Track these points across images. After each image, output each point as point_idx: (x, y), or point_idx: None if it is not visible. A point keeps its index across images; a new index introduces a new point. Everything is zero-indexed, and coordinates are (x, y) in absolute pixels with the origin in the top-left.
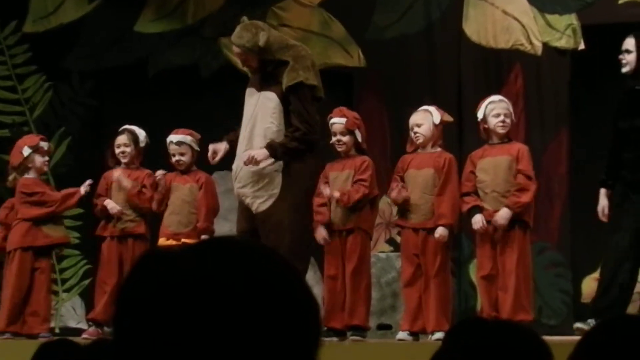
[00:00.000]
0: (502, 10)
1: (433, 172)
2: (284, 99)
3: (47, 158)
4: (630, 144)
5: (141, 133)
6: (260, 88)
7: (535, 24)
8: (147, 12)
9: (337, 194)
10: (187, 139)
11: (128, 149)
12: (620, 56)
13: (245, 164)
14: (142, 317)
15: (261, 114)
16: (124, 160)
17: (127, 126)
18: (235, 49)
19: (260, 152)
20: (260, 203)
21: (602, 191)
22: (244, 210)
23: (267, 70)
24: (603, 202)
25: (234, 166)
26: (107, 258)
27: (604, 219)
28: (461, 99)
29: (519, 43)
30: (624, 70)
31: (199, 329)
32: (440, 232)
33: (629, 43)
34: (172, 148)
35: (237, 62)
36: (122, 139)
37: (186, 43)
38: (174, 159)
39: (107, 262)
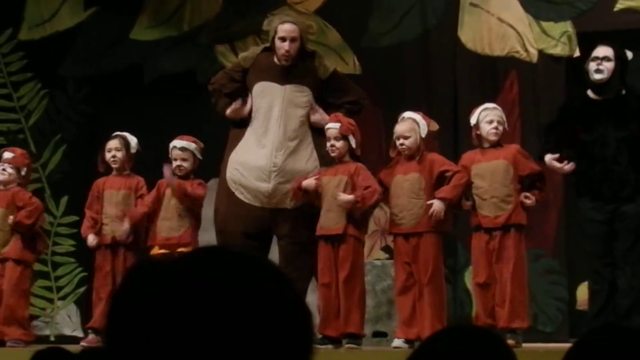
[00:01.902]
0: (498, 18)
1: (418, 175)
2: (317, 89)
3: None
4: (597, 157)
5: (133, 139)
6: (284, 81)
7: (530, 31)
8: (143, 19)
9: (349, 197)
10: (192, 145)
11: (119, 154)
12: (596, 62)
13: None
14: (134, 327)
15: (293, 106)
16: (114, 166)
17: (118, 132)
18: (291, 29)
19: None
20: None
21: (549, 156)
22: (252, 210)
23: (295, 62)
24: (552, 159)
25: (273, 161)
26: (101, 266)
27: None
28: (457, 106)
29: (514, 50)
30: (600, 77)
31: (191, 339)
32: (435, 205)
33: (608, 51)
34: (175, 153)
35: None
36: (113, 143)
37: (182, 50)
38: (174, 164)
39: (101, 270)
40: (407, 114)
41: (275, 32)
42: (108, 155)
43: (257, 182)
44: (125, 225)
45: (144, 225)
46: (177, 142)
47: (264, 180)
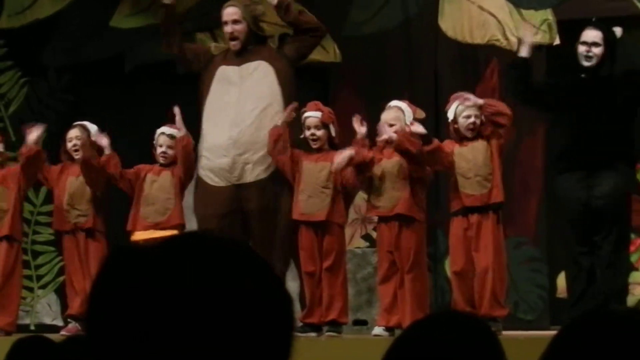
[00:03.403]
0: (478, 6)
1: (398, 159)
2: (274, 59)
3: None
4: (583, 134)
5: (93, 127)
6: (240, 62)
7: (511, 19)
8: (123, 7)
9: (346, 153)
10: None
11: (79, 143)
12: (585, 48)
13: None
14: (114, 314)
15: (250, 82)
16: (76, 156)
17: (78, 122)
18: (231, 12)
19: None
20: (261, 170)
21: None
22: (220, 191)
23: (249, 47)
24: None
25: (229, 135)
26: (69, 253)
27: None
28: (438, 95)
29: (494, 38)
30: (589, 64)
31: (171, 325)
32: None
33: (597, 36)
34: (162, 139)
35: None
36: (73, 132)
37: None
38: (159, 150)
39: (70, 257)
40: (393, 103)
41: (222, 19)
42: (69, 145)
43: (218, 160)
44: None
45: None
46: (165, 129)
47: (223, 155)
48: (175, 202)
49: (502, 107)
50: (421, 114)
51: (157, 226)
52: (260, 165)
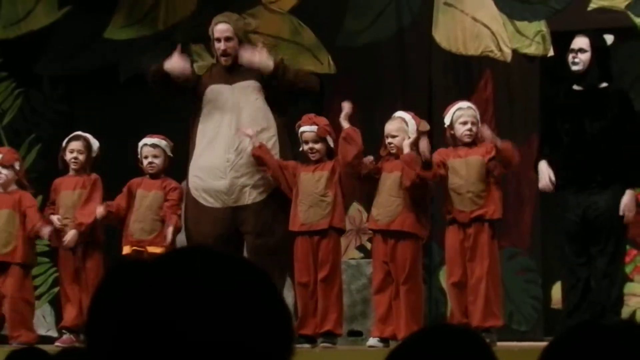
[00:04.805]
0: (472, 17)
1: (400, 174)
2: (263, 80)
3: None
4: (573, 147)
5: (95, 143)
6: (232, 81)
7: (504, 30)
8: (117, 18)
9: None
10: (162, 142)
11: (81, 157)
12: (572, 55)
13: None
14: (115, 327)
15: (243, 102)
16: (74, 167)
17: (81, 132)
18: (223, 29)
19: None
20: (258, 193)
21: (544, 163)
22: (216, 212)
23: (237, 63)
24: (548, 171)
25: (226, 157)
26: (65, 266)
27: (551, 187)
28: (432, 105)
29: (488, 50)
30: (576, 69)
31: (171, 338)
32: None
33: (583, 42)
34: (146, 150)
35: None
36: (76, 144)
37: (157, 49)
38: (146, 162)
39: (65, 270)
40: (398, 114)
41: (213, 35)
42: (69, 156)
43: (214, 182)
44: (72, 232)
45: (117, 219)
46: (147, 140)
47: (220, 177)
48: (162, 225)
49: (515, 157)
50: (425, 126)
51: (140, 244)
52: (257, 188)
